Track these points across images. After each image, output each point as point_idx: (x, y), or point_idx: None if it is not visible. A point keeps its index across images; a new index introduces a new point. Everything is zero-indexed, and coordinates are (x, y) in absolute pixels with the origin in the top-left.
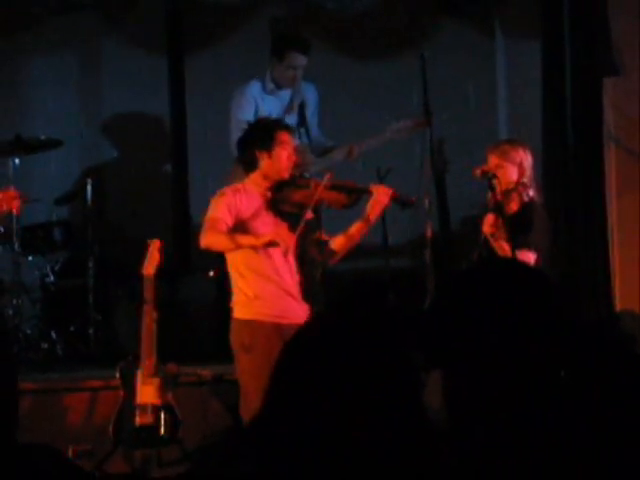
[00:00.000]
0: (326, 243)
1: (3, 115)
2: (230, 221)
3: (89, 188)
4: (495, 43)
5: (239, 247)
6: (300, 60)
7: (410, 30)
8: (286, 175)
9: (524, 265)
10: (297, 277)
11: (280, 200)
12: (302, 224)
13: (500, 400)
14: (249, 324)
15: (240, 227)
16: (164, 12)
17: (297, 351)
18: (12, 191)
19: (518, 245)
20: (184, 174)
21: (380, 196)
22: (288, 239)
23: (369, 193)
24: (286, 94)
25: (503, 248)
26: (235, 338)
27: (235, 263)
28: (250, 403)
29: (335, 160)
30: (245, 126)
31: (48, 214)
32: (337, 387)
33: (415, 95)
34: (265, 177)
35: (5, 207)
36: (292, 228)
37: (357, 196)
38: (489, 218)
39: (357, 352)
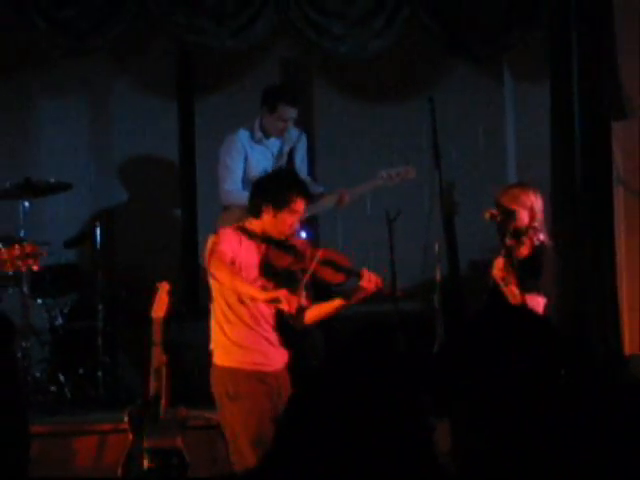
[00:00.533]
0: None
1: (13, 157)
2: (230, 257)
3: (98, 231)
4: (504, 86)
5: (237, 291)
6: (290, 113)
7: (419, 72)
8: (283, 237)
9: (533, 314)
10: (275, 325)
11: (272, 258)
12: (300, 290)
13: (507, 445)
14: (231, 372)
15: (232, 263)
16: (175, 55)
17: (305, 398)
18: (28, 247)
19: (528, 289)
20: (193, 217)
21: (367, 283)
22: (294, 302)
23: (359, 277)
24: (275, 143)
25: (514, 293)
26: (217, 386)
27: (222, 307)
28: (241, 449)
29: (325, 207)
30: (231, 175)
31: (57, 257)
32: (346, 432)
33: (424, 138)
34: (264, 229)
35: (22, 266)
36: (280, 285)
37: (347, 277)
38: (499, 262)
39: (367, 396)
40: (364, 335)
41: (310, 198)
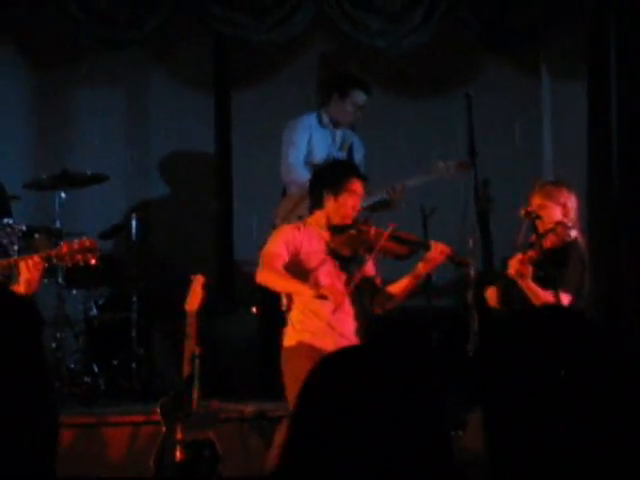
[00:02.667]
0: (381, 290)
1: (51, 148)
2: (286, 256)
3: (134, 223)
4: (541, 82)
5: (285, 290)
6: (362, 99)
7: (456, 68)
8: (348, 221)
9: (571, 312)
10: (355, 321)
11: (338, 243)
12: (358, 276)
13: (541, 444)
14: (292, 349)
15: (295, 265)
16: (211, 48)
17: (325, 379)
18: (87, 242)
19: (551, 284)
20: (229, 210)
21: (436, 253)
22: (340, 296)
23: (427, 247)
24: (338, 133)
25: (531, 288)
26: (282, 365)
27: (295, 298)
28: None
29: (380, 198)
30: (295, 150)
31: None
32: (363, 421)
33: (461, 134)
34: (328, 217)
35: (81, 260)
36: (348, 277)
37: (414, 249)
38: (516, 258)
39: (386, 388)
40: (398, 330)
41: (366, 179)
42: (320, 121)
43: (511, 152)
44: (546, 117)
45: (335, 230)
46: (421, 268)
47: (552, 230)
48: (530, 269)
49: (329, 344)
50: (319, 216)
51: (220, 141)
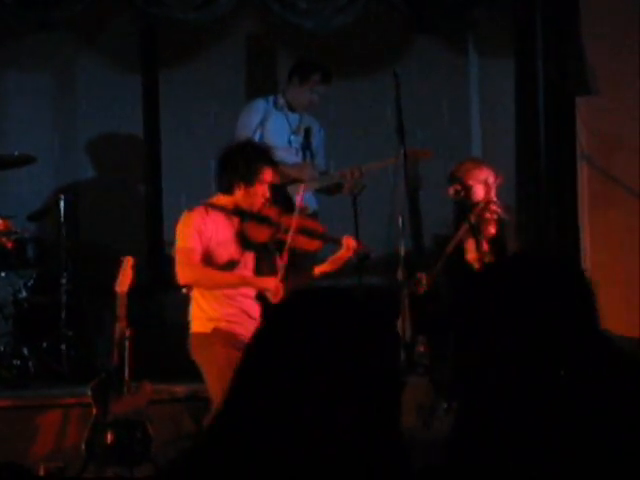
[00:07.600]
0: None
1: None
2: (200, 248)
3: (62, 204)
4: (468, 60)
5: (226, 285)
6: (321, 86)
7: (384, 47)
8: (256, 210)
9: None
10: (255, 297)
11: (248, 232)
12: (282, 270)
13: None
14: (207, 336)
15: (206, 254)
16: (139, 29)
17: (262, 346)
18: (1, 225)
19: None
20: (158, 191)
21: (348, 251)
22: (279, 295)
23: (338, 244)
24: (293, 116)
25: None
26: (195, 352)
27: None
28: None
29: (335, 179)
30: (248, 133)
31: (21, 230)
32: (309, 373)
33: (389, 112)
34: (235, 204)
35: None
36: (260, 257)
37: (323, 243)
38: (470, 244)
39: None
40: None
41: (276, 165)
42: (275, 104)
43: (440, 130)
44: (474, 95)
45: (244, 217)
46: (332, 263)
47: (485, 210)
48: (485, 254)
49: (246, 330)
50: (225, 200)
51: (148, 122)
